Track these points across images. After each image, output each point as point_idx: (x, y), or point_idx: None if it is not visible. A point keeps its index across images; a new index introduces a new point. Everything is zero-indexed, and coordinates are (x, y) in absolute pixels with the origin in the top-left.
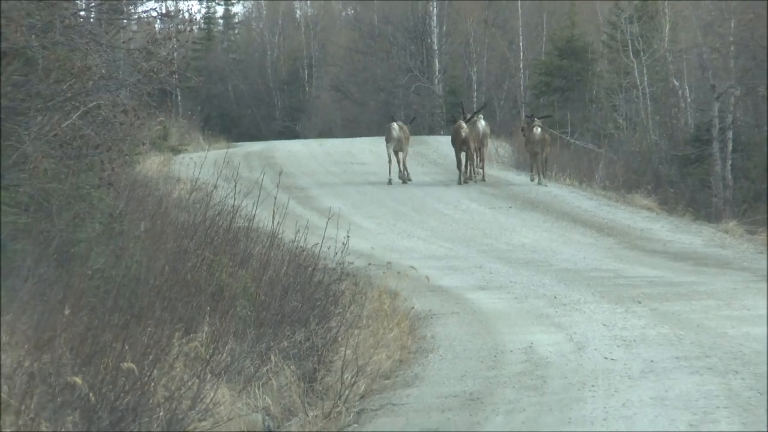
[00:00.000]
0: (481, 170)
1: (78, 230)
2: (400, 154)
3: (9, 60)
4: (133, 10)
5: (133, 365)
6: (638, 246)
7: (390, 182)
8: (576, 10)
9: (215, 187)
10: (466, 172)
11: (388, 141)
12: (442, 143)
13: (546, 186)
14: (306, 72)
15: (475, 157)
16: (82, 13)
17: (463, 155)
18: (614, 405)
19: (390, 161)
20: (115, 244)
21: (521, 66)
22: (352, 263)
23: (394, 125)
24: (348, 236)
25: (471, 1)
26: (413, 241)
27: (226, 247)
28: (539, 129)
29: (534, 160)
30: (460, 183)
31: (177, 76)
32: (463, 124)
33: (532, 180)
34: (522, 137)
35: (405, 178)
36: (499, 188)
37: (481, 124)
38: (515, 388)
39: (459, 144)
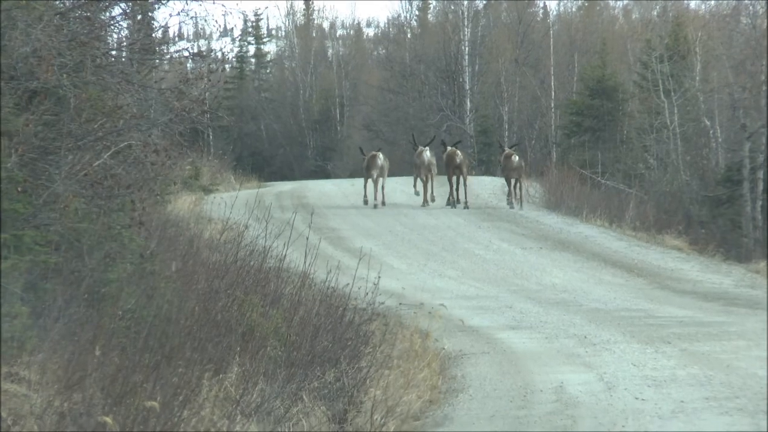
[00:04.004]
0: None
1: (109, 270)
2: (381, 181)
3: (40, 99)
4: (165, 50)
5: (155, 404)
6: (668, 286)
7: (375, 206)
8: (607, 49)
9: (246, 227)
10: (456, 195)
11: (372, 168)
12: (475, 183)
13: (522, 211)
14: (338, 111)
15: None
16: (113, 52)
17: (454, 179)
18: None
19: (373, 186)
20: (146, 284)
21: (552, 105)
22: (383, 303)
23: (380, 155)
24: (379, 276)
25: (502, 40)
26: (444, 281)
27: (257, 288)
28: (517, 157)
29: (511, 187)
30: (450, 205)
31: (209, 116)
32: (458, 151)
33: (508, 205)
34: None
35: (381, 203)
36: (530, 228)
37: (426, 154)
38: (545, 428)
39: (452, 169)
